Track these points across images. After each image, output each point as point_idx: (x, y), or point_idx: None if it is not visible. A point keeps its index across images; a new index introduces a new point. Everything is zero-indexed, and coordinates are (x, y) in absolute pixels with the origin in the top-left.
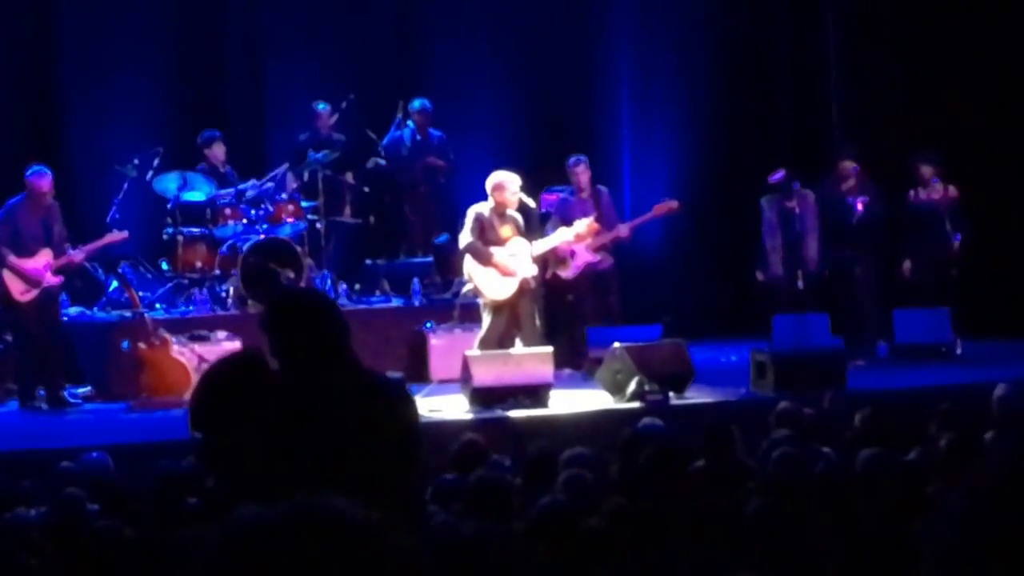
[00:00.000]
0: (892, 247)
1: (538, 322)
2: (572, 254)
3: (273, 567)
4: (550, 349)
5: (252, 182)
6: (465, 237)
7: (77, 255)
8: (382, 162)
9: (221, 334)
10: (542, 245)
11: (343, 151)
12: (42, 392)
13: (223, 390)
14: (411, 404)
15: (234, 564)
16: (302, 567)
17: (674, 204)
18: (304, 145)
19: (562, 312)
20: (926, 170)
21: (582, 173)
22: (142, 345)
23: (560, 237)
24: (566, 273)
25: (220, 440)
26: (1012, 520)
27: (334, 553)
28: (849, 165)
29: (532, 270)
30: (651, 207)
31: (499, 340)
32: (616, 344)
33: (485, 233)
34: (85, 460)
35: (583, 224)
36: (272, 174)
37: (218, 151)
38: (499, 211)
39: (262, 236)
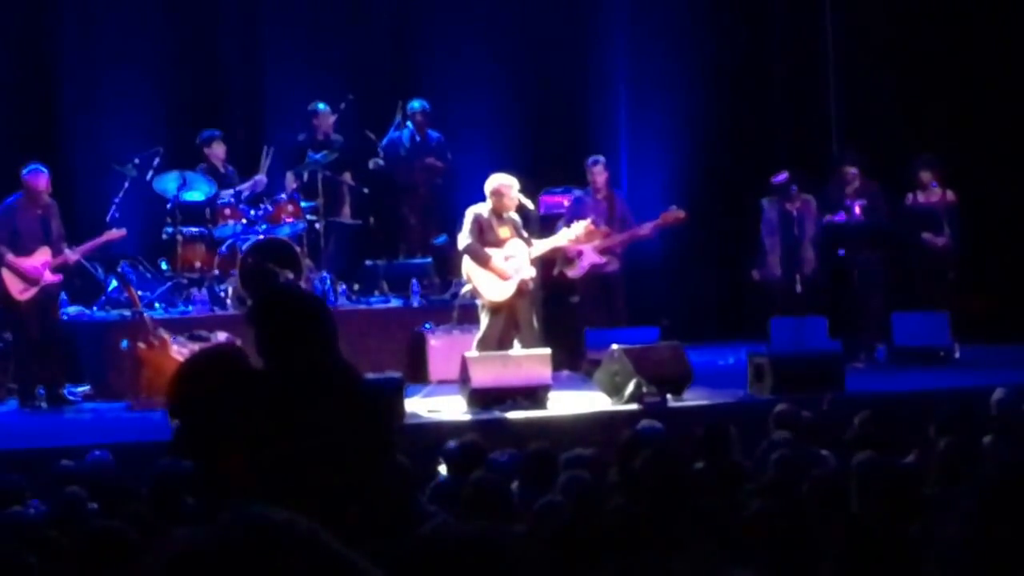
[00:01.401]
0: (891, 250)
1: (536, 323)
2: (579, 254)
3: None
4: (548, 351)
5: (248, 183)
6: (464, 238)
7: (72, 255)
8: (381, 162)
9: (220, 334)
10: (541, 247)
11: (342, 152)
12: (42, 391)
13: (200, 379)
14: (386, 407)
15: None
16: None
17: (681, 214)
18: (303, 146)
19: (563, 314)
20: (925, 175)
21: (599, 174)
22: (141, 344)
23: (557, 240)
24: (572, 272)
25: (197, 428)
26: (1013, 522)
27: (276, 571)
28: (850, 169)
29: (530, 272)
30: (646, 208)
31: (498, 341)
32: (614, 346)
33: (484, 234)
34: (87, 459)
35: (580, 226)
36: (261, 165)
37: (218, 150)
38: (498, 213)
39: (261, 236)
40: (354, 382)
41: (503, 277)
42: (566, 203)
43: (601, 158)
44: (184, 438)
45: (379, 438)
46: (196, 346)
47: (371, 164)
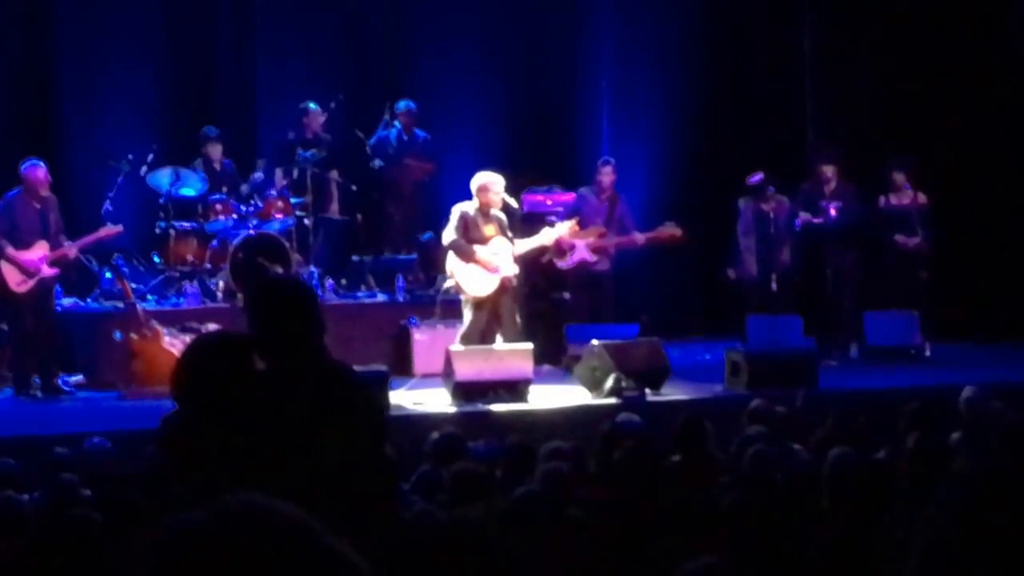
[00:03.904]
0: (865, 250)
1: (518, 319)
2: (572, 247)
3: (204, 571)
4: (530, 345)
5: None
6: (449, 235)
7: (71, 250)
8: (381, 163)
9: (211, 326)
10: (524, 245)
11: (330, 150)
12: (37, 380)
13: (203, 363)
14: (375, 397)
15: (166, 568)
16: (232, 570)
17: (678, 232)
18: (293, 143)
19: (546, 309)
20: (898, 176)
21: (607, 175)
22: (134, 336)
23: (540, 239)
24: (562, 263)
25: (192, 416)
26: (994, 517)
27: (265, 557)
28: (827, 169)
29: (513, 268)
30: (628, 206)
31: (480, 336)
32: (594, 341)
33: (469, 231)
34: (86, 445)
35: (564, 226)
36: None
37: (213, 151)
38: (483, 210)
39: (252, 231)
40: (342, 375)
41: (489, 268)
42: (549, 202)
43: (612, 160)
44: (180, 424)
45: (365, 428)
46: (187, 337)
47: (374, 164)
